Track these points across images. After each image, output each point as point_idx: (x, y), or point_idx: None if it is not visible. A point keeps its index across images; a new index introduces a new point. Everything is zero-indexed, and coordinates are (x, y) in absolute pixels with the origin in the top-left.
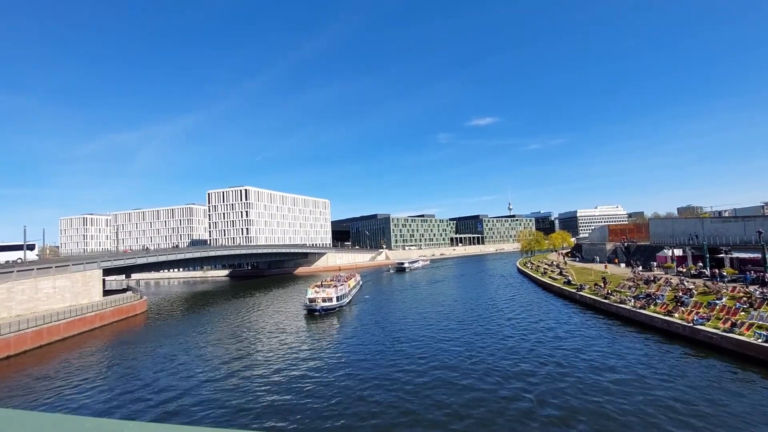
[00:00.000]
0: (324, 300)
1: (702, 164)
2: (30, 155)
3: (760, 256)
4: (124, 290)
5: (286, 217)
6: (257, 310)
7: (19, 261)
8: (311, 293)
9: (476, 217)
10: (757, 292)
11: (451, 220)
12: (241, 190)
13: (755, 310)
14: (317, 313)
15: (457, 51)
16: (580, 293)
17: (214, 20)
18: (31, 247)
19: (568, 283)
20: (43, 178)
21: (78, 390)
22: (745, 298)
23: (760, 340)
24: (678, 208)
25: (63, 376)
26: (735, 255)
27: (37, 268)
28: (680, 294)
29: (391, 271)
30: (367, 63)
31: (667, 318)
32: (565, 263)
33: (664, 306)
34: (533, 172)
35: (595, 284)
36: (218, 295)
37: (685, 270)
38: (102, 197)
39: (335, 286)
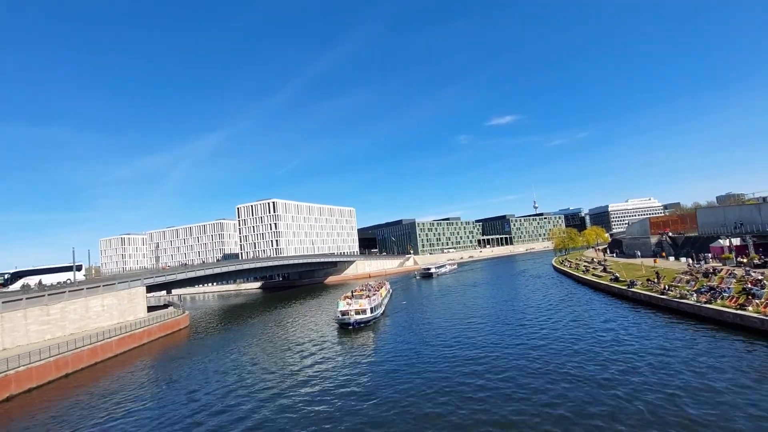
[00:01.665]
0: (357, 312)
1: (735, 150)
2: (71, 182)
3: None
4: (165, 306)
5: (313, 227)
6: (291, 323)
7: (68, 281)
8: (343, 305)
9: (503, 217)
10: None
11: (477, 221)
12: (268, 203)
13: None
14: (351, 327)
15: (471, 51)
16: (632, 290)
17: (231, 40)
18: (78, 268)
19: (616, 279)
20: (83, 203)
21: (134, 408)
22: None
23: None
24: (717, 197)
25: (121, 392)
26: None
27: (87, 288)
28: (749, 286)
29: (417, 277)
30: (381, 70)
31: (740, 312)
32: (605, 260)
33: (734, 299)
34: (558, 168)
35: (648, 279)
36: (252, 307)
37: (746, 260)
38: (137, 218)
39: (367, 296)
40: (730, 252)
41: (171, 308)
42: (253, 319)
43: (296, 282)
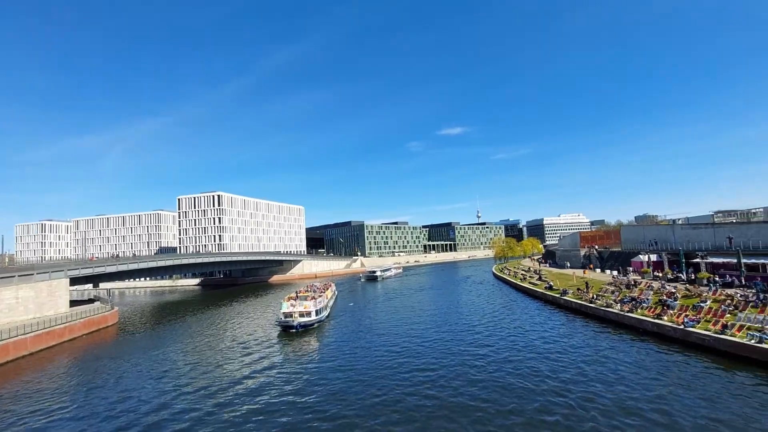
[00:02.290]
0: (301, 314)
1: (652, 176)
2: None
3: (734, 260)
4: (91, 300)
5: (260, 223)
6: (231, 324)
7: None
8: (286, 307)
9: (448, 224)
10: (738, 295)
11: (424, 227)
12: (213, 196)
13: (741, 312)
14: (294, 330)
15: (428, 63)
16: (565, 298)
17: (186, 23)
18: None
19: (550, 288)
20: None
21: (49, 413)
22: (728, 301)
23: (753, 341)
24: (636, 216)
25: (31, 396)
26: (710, 260)
27: None
28: (665, 297)
29: (363, 280)
30: (340, 73)
31: (657, 321)
32: (540, 269)
33: (652, 309)
34: (501, 180)
35: (578, 289)
36: (190, 305)
37: (661, 275)
38: (63, 203)
39: (313, 297)
40: (648, 267)
41: (98, 303)
42: (190, 318)
43: (238, 280)
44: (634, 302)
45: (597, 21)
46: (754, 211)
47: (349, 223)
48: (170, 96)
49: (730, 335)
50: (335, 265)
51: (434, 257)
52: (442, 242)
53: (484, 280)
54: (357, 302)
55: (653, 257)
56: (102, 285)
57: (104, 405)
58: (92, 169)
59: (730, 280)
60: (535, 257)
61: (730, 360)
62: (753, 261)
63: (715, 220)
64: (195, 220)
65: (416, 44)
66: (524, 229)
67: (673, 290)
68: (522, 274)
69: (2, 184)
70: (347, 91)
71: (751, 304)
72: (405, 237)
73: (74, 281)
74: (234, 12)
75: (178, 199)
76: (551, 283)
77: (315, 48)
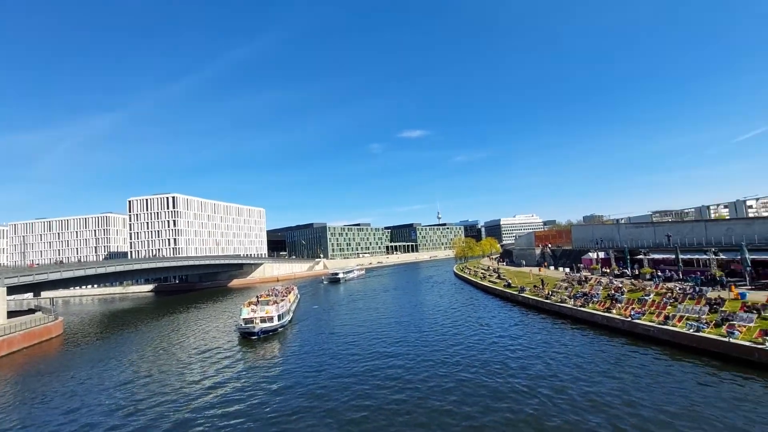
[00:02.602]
0: (263, 320)
1: (597, 179)
2: None
3: (672, 257)
4: (31, 311)
5: (218, 226)
6: (188, 332)
7: None
8: (246, 312)
9: (410, 225)
10: (677, 288)
11: (386, 228)
12: (167, 198)
13: (680, 303)
14: (255, 336)
15: (388, 66)
16: (522, 295)
17: (134, 17)
18: None
19: (509, 285)
20: None
21: None
22: (669, 294)
23: (691, 330)
24: (584, 217)
25: None
26: (652, 256)
27: None
28: (613, 292)
29: (325, 282)
30: (299, 73)
31: (606, 314)
32: (499, 268)
33: (602, 303)
34: (460, 182)
35: (534, 286)
36: (143, 313)
37: (609, 271)
38: None
39: (275, 302)
40: (597, 263)
41: (39, 314)
42: (143, 327)
43: (195, 285)
44: (585, 297)
45: (548, 27)
46: (686, 211)
47: (311, 225)
48: (119, 92)
49: (672, 325)
50: (298, 268)
51: (397, 258)
52: (404, 243)
53: (445, 279)
54: (322, 305)
55: (601, 254)
56: (44, 294)
57: (49, 426)
58: (30, 170)
59: (669, 274)
60: (494, 256)
61: (672, 348)
62: (688, 257)
63: (654, 219)
64: (148, 223)
65: (376, 46)
66: (483, 229)
67: (620, 285)
68: (482, 273)
69: None
70: (306, 90)
71: (688, 296)
72: (368, 238)
73: (12, 290)
74: (189, 5)
75: (129, 201)
76: (509, 281)
77: (273, 46)
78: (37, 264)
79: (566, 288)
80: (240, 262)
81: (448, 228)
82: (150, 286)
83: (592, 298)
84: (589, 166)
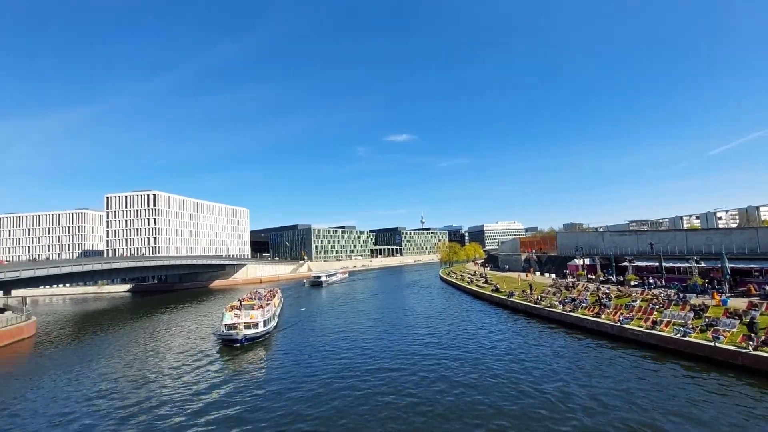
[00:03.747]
0: (247, 326)
1: (576, 189)
2: None
3: (655, 264)
4: (2, 310)
5: (200, 225)
6: (168, 336)
7: None
8: (229, 317)
9: (395, 229)
10: (662, 295)
11: (371, 231)
12: (148, 195)
13: (666, 309)
14: (239, 344)
15: (374, 69)
16: (511, 299)
17: (115, 8)
18: None
19: (497, 290)
20: None
21: None
22: (655, 300)
23: (678, 335)
24: (564, 224)
25: None
26: (636, 263)
27: None
28: (601, 298)
29: (306, 285)
30: (284, 71)
31: (596, 319)
32: (486, 273)
33: (591, 309)
34: (444, 188)
35: (523, 291)
36: (119, 314)
37: (595, 277)
38: None
39: (260, 306)
40: (583, 270)
41: (9, 313)
42: (120, 330)
43: (175, 285)
44: (574, 302)
45: (527, 38)
46: (661, 221)
47: (296, 226)
48: (98, 84)
49: (660, 330)
50: (282, 270)
51: (381, 262)
52: (389, 247)
53: (431, 284)
54: (308, 308)
55: (587, 261)
56: (14, 292)
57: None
58: None
59: (652, 281)
60: (478, 261)
61: (659, 352)
62: (670, 264)
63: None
64: (126, 220)
65: (363, 47)
66: (466, 234)
67: (607, 291)
68: (469, 278)
69: None
70: (292, 89)
71: (673, 302)
72: (352, 241)
73: None
74: (169, 3)
75: (107, 198)
76: (497, 285)
77: (259, 43)
78: (6, 261)
79: (554, 293)
80: (222, 262)
81: (432, 233)
82: (127, 286)
83: (581, 303)
84: (569, 176)
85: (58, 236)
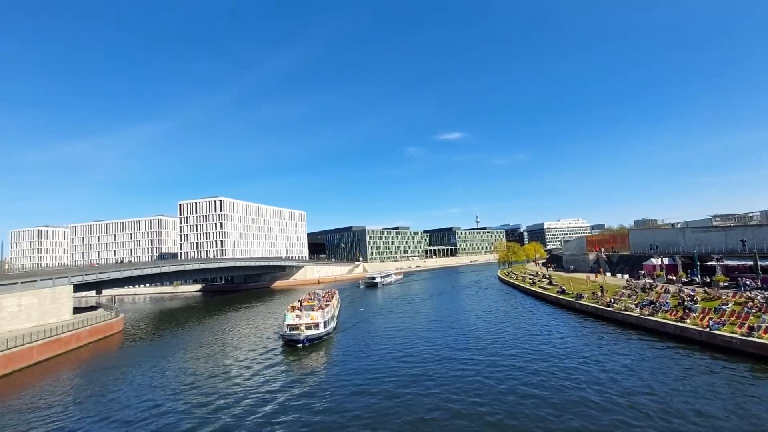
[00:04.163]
0: (308, 327)
1: (650, 181)
2: None
3: (750, 263)
4: (92, 308)
5: (261, 229)
6: (234, 333)
7: None
8: (291, 318)
9: (449, 229)
10: (759, 297)
11: (425, 232)
12: (215, 201)
13: (765, 314)
14: (301, 344)
15: (424, 68)
16: (580, 302)
17: (180, 29)
18: None
19: (563, 292)
20: None
21: (69, 425)
22: (750, 303)
23: None
24: (635, 221)
25: (50, 410)
26: (726, 263)
27: (0, 284)
28: (685, 301)
29: (362, 286)
30: (337, 77)
31: (680, 324)
32: (550, 274)
33: (673, 313)
34: (500, 185)
35: (593, 293)
36: (193, 312)
37: (675, 278)
38: (58, 209)
39: (321, 307)
40: (661, 270)
41: (101, 310)
42: (194, 327)
43: (240, 286)
44: (653, 306)
45: (595, 25)
46: (751, 214)
47: (350, 228)
48: (168, 100)
49: (758, 337)
50: (338, 271)
51: (435, 262)
52: (443, 247)
53: (490, 285)
54: (366, 308)
55: (665, 261)
56: (104, 292)
57: (127, 415)
58: (84, 175)
59: (748, 282)
60: (539, 261)
61: (758, 361)
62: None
63: (714, 223)
64: (197, 225)
65: (413, 48)
66: (525, 233)
67: (692, 293)
68: (530, 279)
69: None
70: (345, 95)
71: None
72: (406, 242)
73: (78, 288)
74: (231, 15)
75: (180, 204)
76: (563, 287)
77: (313, 51)
78: (97, 264)
79: (629, 296)
80: (283, 264)
81: (488, 232)
82: (198, 286)
83: (661, 306)
84: (638, 168)
85: (139, 241)
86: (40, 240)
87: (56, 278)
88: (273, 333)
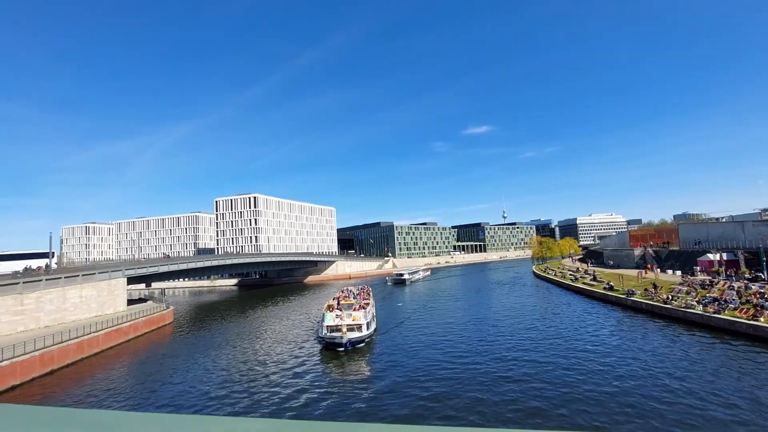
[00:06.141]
0: (350, 328)
1: (689, 174)
2: (22, 165)
3: None
4: (141, 300)
5: (293, 225)
6: (272, 327)
7: (43, 269)
8: (330, 319)
9: (478, 224)
10: None
11: (452, 227)
12: (249, 198)
13: None
14: (343, 348)
15: (452, 62)
16: (632, 299)
17: (210, 29)
18: (51, 255)
19: (611, 288)
20: (34, 188)
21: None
22: None
23: None
24: (675, 215)
25: (122, 394)
26: None
27: (65, 277)
28: (755, 298)
29: (389, 283)
30: (364, 73)
31: (753, 323)
32: (594, 270)
33: (744, 310)
34: (529, 179)
35: (645, 289)
36: (231, 305)
37: (737, 274)
38: (98, 207)
39: (362, 307)
40: (720, 266)
41: (151, 302)
42: (237, 319)
43: (274, 280)
44: (718, 303)
45: (622, 13)
46: None
47: (379, 223)
48: (195, 101)
49: None
50: (368, 266)
51: (463, 258)
52: (472, 243)
53: (527, 282)
54: (404, 304)
55: (725, 256)
56: (153, 285)
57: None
58: (124, 174)
59: None
60: (576, 257)
61: None
62: None
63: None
64: (232, 221)
65: (440, 42)
66: (556, 228)
67: (762, 290)
68: (571, 275)
69: (41, 188)
70: (371, 90)
71: None
72: (434, 238)
73: (130, 281)
74: (258, 14)
75: (216, 201)
76: (610, 283)
77: (340, 48)
78: (142, 258)
79: (688, 292)
80: (314, 259)
81: (518, 227)
82: (234, 281)
83: (727, 304)
84: (675, 158)
85: (178, 236)
86: (87, 236)
87: (112, 271)
88: (309, 330)
